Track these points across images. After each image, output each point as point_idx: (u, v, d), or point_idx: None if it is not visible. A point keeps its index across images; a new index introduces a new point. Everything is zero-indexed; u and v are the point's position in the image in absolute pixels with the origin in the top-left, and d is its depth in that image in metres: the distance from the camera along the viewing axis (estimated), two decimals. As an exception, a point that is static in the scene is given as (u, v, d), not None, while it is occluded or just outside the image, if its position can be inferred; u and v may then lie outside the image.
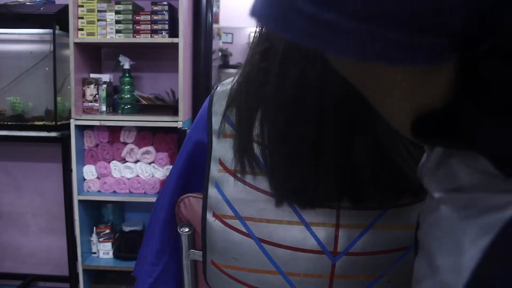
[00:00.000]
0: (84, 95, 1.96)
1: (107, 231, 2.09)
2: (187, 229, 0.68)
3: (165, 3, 1.91)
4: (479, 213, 0.25)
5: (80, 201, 1.97)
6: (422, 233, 0.33)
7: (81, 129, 1.98)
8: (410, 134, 0.30)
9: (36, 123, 2.01)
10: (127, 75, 2.02)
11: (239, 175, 0.60)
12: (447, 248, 0.27)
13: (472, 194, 0.28)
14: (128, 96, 2.03)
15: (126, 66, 2.02)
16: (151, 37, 1.90)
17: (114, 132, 2.00)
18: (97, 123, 1.92)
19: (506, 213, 0.24)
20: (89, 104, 1.97)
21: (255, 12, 0.24)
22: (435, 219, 0.30)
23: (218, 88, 0.66)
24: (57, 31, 1.91)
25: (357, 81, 0.29)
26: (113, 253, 2.09)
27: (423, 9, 0.21)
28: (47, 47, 1.99)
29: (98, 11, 1.90)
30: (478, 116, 0.25)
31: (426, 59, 0.23)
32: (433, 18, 0.21)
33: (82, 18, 1.89)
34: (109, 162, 2.01)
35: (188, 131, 0.75)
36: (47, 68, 1.99)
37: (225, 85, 0.65)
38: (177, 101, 1.94)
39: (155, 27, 1.90)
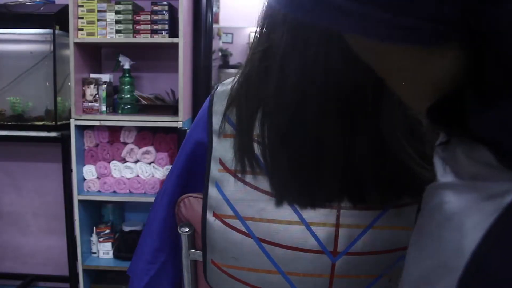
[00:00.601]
0: (84, 95, 1.96)
1: (107, 231, 2.09)
2: (187, 229, 0.68)
3: (165, 3, 1.91)
4: (481, 200, 0.27)
5: (80, 201, 1.97)
6: (423, 217, 0.34)
7: (81, 129, 1.98)
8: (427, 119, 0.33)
9: (36, 123, 2.01)
10: (127, 75, 2.02)
11: (239, 175, 0.60)
12: (448, 232, 0.29)
13: (474, 182, 0.29)
14: (128, 96, 2.03)
15: (126, 66, 2.02)
16: (151, 37, 1.90)
17: (114, 132, 2.00)
18: (97, 123, 1.92)
19: (505, 199, 0.26)
20: (89, 104, 1.97)
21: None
22: (438, 204, 0.31)
23: (218, 88, 0.66)
24: (57, 31, 1.91)
25: (373, 62, 0.33)
26: (113, 253, 2.09)
27: None
28: (47, 47, 1.99)
29: (98, 11, 1.90)
30: (478, 104, 0.27)
31: (414, 40, 0.26)
32: (420, 3, 0.24)
33: (82, 18, 1.89)
34: (109, 162, 2.01)
35: (188, 131, 0.75)
36: (47, 68, 1.99)
37: (226, 85, 0.65)
38: (177, 101, 1.94)
39: (155, 27, 1.90)
